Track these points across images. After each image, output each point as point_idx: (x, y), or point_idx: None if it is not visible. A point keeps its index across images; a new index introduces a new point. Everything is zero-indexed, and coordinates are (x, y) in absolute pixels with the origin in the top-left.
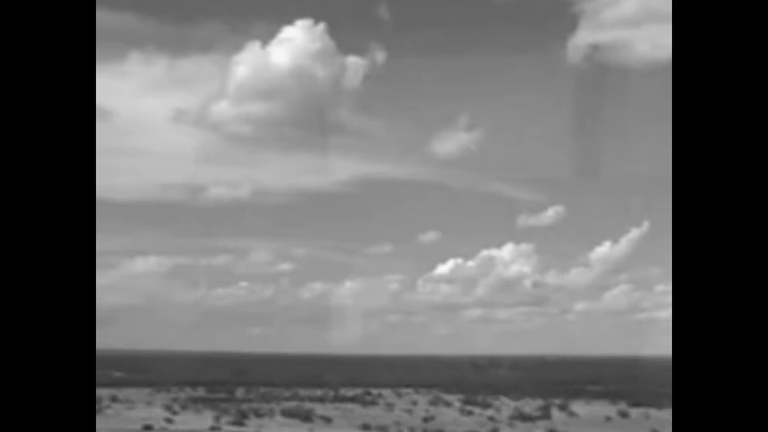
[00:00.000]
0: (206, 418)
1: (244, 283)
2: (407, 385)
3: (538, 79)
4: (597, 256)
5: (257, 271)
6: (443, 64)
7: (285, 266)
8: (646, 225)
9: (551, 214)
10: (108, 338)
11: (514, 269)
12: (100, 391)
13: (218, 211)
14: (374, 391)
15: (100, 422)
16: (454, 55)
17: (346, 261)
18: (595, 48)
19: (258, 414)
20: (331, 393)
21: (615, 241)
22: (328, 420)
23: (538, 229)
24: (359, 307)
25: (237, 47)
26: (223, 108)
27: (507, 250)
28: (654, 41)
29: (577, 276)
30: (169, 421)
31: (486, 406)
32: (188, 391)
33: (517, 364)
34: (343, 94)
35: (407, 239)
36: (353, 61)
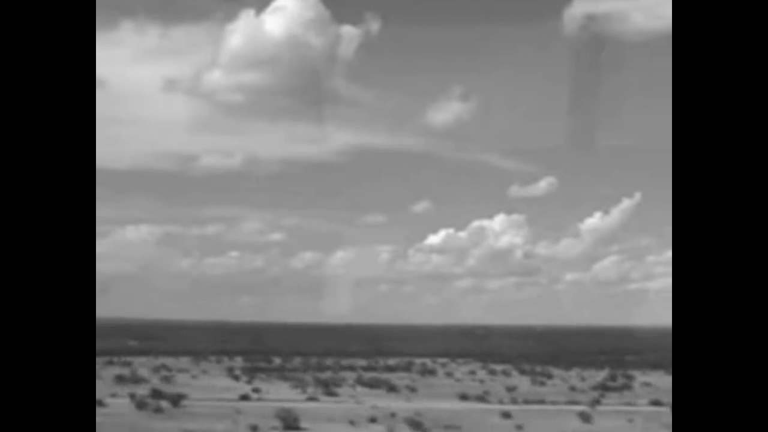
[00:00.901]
0: (280, 388)
1: (234, 253)
2: (441, 355)
3: (533, 50)
4: (587, 227)
5: (248, 240)
6: (438, 34)
7: (276, 236)
8: (637, 196)
9: (543, 185)
10: (104, 306)
11: (505, 240)
12: (138, 359)
13: (210, 180)
14: (417, 361)
15: (186, 390)
16: (449, 25)
17: (338, 231)
18: (591, 18)
19: (336, 383)
20: (374, 363)
21: (606, 212)
22: (412, 390)
23: (529, 200)
24: (350, 277)
25: (230, 15)
26: (215, 77)
27: (498, 221)
28: (650, 12)
29: (567, 247)
30: (256, 390)
31: (547, 376)
32: (227, 361)
33: (519, 333)
34: (337, 63)
35: (399, 209)
36: (347, 30)
